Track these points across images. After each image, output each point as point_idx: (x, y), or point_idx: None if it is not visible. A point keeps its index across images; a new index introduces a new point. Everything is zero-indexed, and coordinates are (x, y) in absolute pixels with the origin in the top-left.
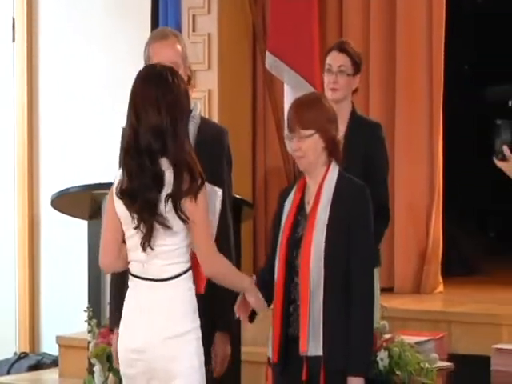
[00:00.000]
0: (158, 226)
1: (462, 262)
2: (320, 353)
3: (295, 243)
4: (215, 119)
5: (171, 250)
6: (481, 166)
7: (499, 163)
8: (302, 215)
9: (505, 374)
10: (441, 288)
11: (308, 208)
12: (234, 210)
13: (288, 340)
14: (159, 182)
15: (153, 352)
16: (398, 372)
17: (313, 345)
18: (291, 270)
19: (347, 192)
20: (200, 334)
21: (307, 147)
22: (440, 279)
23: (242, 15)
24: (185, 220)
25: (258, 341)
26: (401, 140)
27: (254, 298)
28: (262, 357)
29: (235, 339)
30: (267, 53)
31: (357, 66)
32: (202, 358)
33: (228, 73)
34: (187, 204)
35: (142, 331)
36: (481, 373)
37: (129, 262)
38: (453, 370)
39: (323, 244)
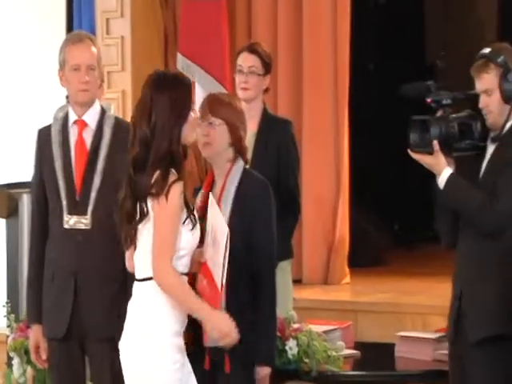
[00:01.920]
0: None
1: (368, 254)
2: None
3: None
4: (129, 118)
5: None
6: (387, 161)
7: (416, 155)
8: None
9: (408, 360)
10: (347, 279)
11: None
12: None
13: (195, 332)
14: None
15: None
16: (306, 360)
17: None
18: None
19: (250, 188)
20: None
21: (215, 135)
22: (347, 270)
23: (154, 18)
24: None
25: None
26: (308, 136)
27: (211, 331)
28: None
29: None
30: (178, 54)
31: (267, 66)
32: None
33: (141, 74)
34: (154, 204)
35: None
36: (386, 359)
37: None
38: (359, 357)
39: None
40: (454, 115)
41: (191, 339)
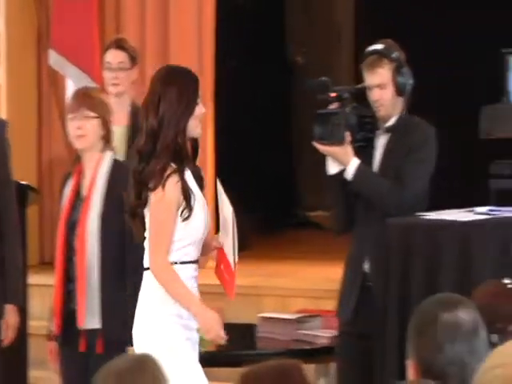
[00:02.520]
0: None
1: None
2: (97, 325)
3: (73, 225)
4: (4, 112)
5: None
6: (250, 150)
7: (323, 147)
8: (79, 199)
9: (269, 340)
10: (212, 263)
11: (84, 192)
12: (18, 194)
13: (69, 314)
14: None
15: None
16: None
17: (90, 319)
18: (70, 250)
19: (120, 177)
20: None
21: (89, 127)
22: None
23: (29, 14)
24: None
25: (44, 315)
26: None
27: (202, 325)
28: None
29: (22, 312)
30: (50, 50)
31: (134, 59)
32: None
33: (16, 69)
34: (151, 196)
35: None
36: (248, 339)
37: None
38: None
39: (97, 224)
40: (350, 108)
41: (63, 321)
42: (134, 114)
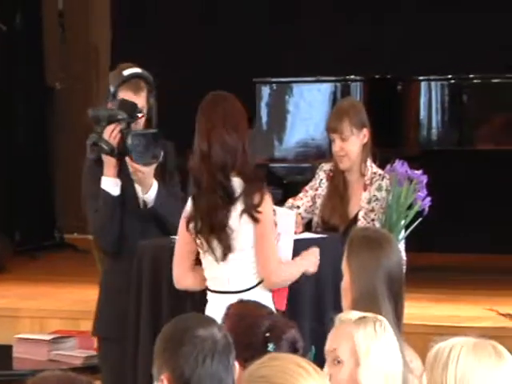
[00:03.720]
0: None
1: None
2: None
3: None
4: None
5: (248, 260)
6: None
7: (135, 165)
8: None
9: (25, 360)
10: None
11: None
12: None
13: None
14: (232, 195)
15: None
16: None
17: None
18: None
19: None
20: None
21: None
22: None
23: None
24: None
25: None
26: None
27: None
28: None
29: None
30: None
31: None
32: None
33: None
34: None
35: None
36: (4, 360)
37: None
38: None
39: None
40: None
41: None
42: None
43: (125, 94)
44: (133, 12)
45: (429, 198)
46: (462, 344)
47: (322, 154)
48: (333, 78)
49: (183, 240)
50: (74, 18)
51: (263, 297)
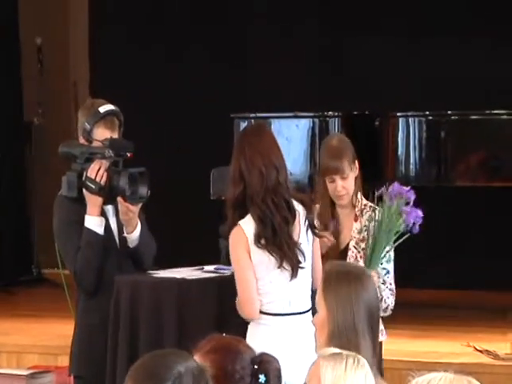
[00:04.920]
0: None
1: None
2: None
3: None
4: None
5: (309, 280)
6: None
7: (129, 206)
8: None
9: None
10: None
11: None
12: None
13: None
14: (294, 212)
15: None
16: None
17: None
18: None
19: None
20: None
21: None
22: None
23: None
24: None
25: None
26: None
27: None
28: None
29: None
30: None
31: None
32: None
33: None
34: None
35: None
36: None
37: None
38: None
39: None
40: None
41: None
42: None
43: (101, 132)
44: (111, 48)
45: (420, 214)
46: (439, 379)
47: (301, 189)
48: (311, 114)
49: (249, 270)
50: (53, 53)
51: None
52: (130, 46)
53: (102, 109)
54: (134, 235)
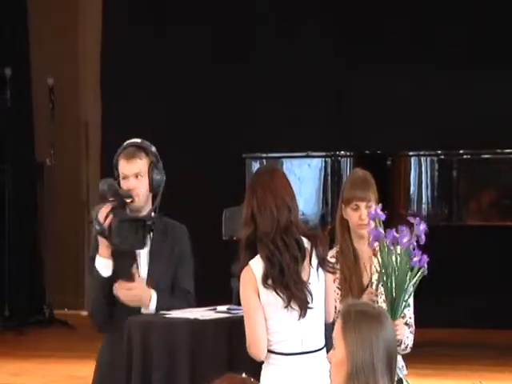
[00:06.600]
0: (308, 295)
1: None
2: None
3: None
4: None
5: (321, 318)
6: None
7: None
8: None
9: None
10: None
11: None
12: None
13: None
14: (304, 251)
15: None
16: None
17: None
18: None
19: None
20: None
21: None
22: None
23: None
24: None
25: None
26: None
27: None
28: None
29: None
30: None
31: None
32: None
33: None
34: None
35: None
36: None
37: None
38: None
39: None
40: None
41: None
42: None
43: (122, 163)
44: (123, 87)
45: (425, 258)
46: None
47: (313, 229)
48: (323, 154)
49: (257, 310)
50: (64, 93)
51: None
52: (141, 85)
53: (126, 142)
54: (150, 308)
